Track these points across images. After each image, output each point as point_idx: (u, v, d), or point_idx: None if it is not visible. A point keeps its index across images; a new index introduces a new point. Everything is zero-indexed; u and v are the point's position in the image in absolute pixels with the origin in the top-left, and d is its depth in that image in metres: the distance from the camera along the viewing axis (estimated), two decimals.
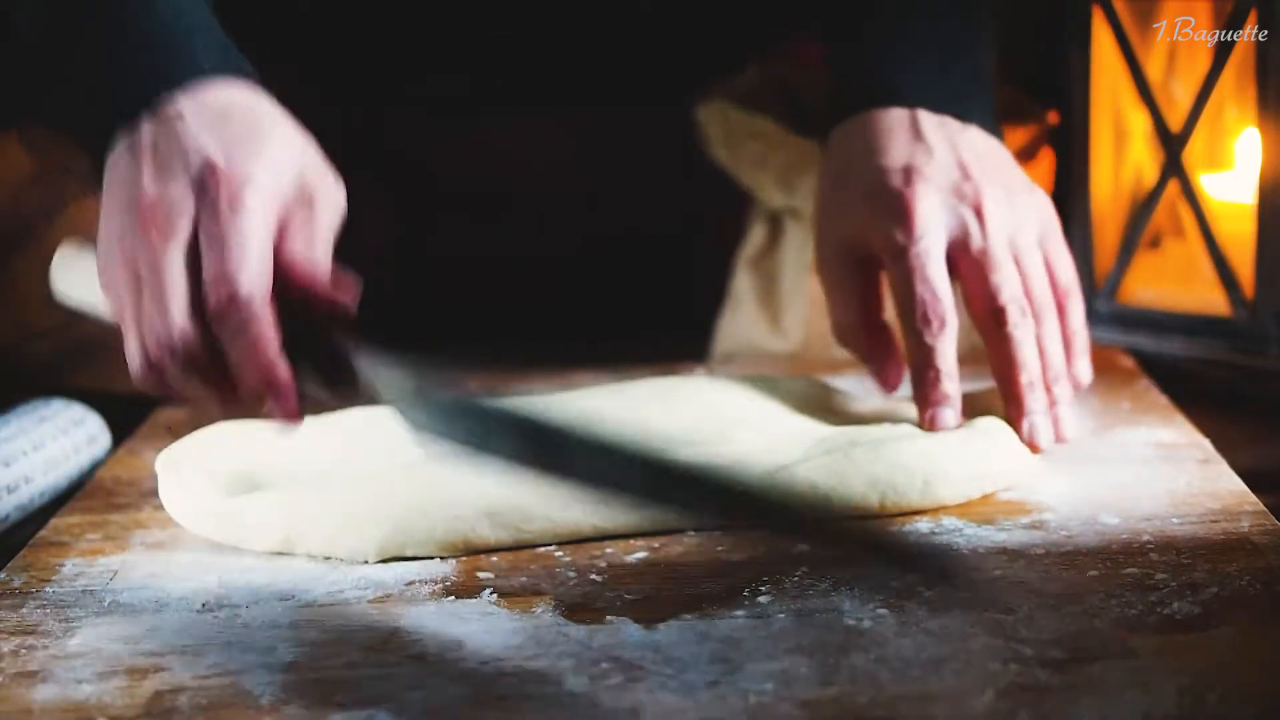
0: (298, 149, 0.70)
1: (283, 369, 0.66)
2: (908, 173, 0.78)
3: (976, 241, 0.78)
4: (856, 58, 0.84)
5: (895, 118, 0.80)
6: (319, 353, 0.67)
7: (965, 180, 0.79)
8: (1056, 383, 0.79)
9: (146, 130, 0.69)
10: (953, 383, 0.78)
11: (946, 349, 0.78)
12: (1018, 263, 0.79)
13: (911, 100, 0.81)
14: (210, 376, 0.67)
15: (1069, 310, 0.81)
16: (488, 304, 1.24)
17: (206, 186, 0.67)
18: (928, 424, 0.78)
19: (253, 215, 0.66)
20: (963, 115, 0.81)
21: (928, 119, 0.80)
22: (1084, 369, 0.82)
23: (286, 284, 0.67)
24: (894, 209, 0.78)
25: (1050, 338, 0.79)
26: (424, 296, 1.26)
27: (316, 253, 0.69)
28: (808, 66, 1.03)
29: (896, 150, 0.79)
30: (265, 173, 0.68)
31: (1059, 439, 0.80)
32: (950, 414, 0.78)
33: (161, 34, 0.70)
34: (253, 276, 0.65)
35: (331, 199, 0.71)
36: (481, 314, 1.24)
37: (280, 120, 0.71)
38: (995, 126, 0.83)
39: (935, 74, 0.82)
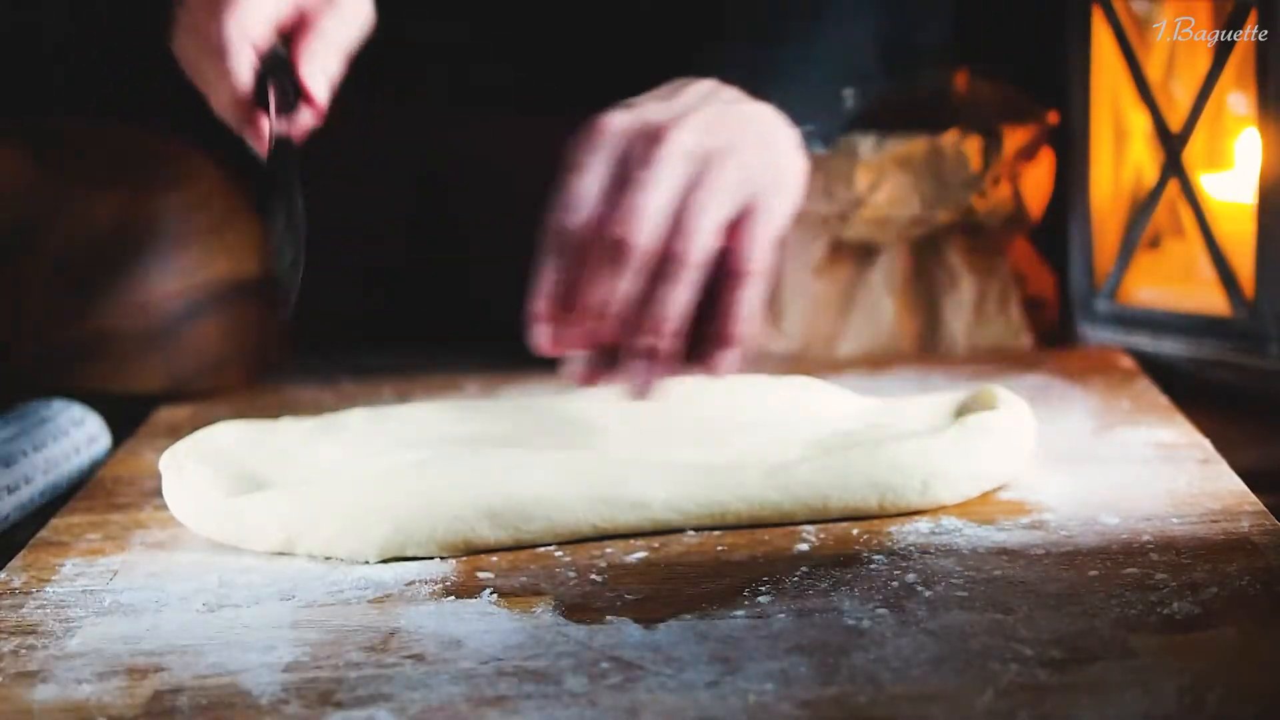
0: None
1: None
2: (673, 116, 0.77)
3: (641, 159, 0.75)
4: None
5: (692, 80, 0.81)
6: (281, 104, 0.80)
7: (678, 114, 0.77)
8: (646, 332, 0.73)
9: None
10: (609, 306, 0.73)
11: (615, 282, 0.73)
12: (685, 208, 0.75)
13: (708, 74, 0.81)
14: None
15: (733, 291, 0.75)
16: (487, 304, 1.24)
17: None
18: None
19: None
20: (764, 95, 0.81)
21: (716, 89, 0.80)
22: (727, 359, 0.75)
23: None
24: (647, 143, 0.76)
25: (669, 290, 0.73)
26: (427, 296, 1.26)
27: (323, 58, 0.81)
28: None
29: (671, 100, 0.79)
30: None
31: (639, 392, 0.75)
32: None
33: None
34: (238, 32, 0.79)
35: (353, 11, 0.82)
36: (481, 313, 1.25)
37: None
38: (808, 126, 0.83)
39: (742, 57, 0.84)
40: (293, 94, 0.80)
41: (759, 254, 0.77)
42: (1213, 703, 0.55)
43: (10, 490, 0.82)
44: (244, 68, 0.79)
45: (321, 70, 0.81)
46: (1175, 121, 0.95)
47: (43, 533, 0.78)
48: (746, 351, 0.76)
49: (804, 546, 0.72)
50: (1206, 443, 0.82)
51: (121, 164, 1.00)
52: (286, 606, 0.68)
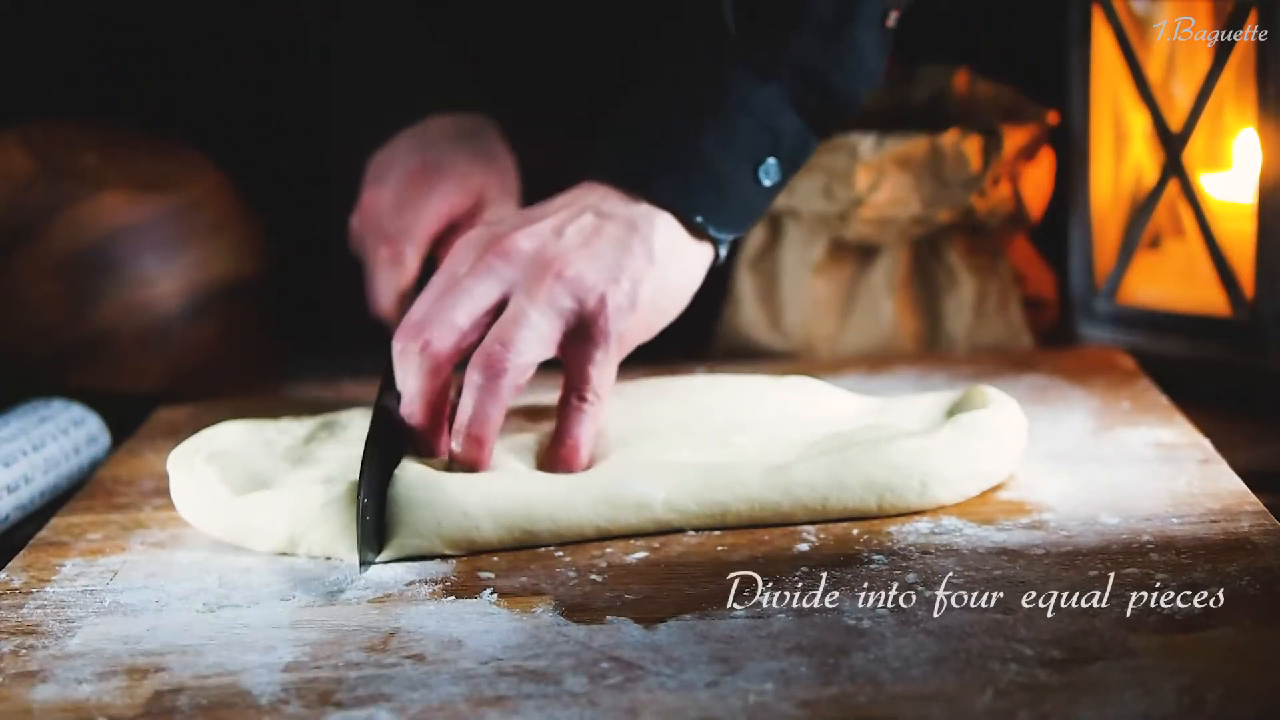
0: (477, 172, 0.92)
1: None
2: (516, 226, 0.78)
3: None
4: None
5: (575, 188, 0.81)
6: None
7: (526, 221, 0.78)
8: (459, 436, 0.75)
9: (385, 147, 0.94)
10: (421, 409, 0.76)
11: (416, 373, 0.75)
12: (505, 317, 0.75)
13: (592, 176, 0.81)
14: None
15: (563, 409, 0.77)
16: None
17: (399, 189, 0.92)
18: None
19: (424, 213, 0.90)
20: (644, 192, 0.79)
21: (586, 193, 0.80)
22: (558, 468, 0.76)
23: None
24: (479, 251, 0.77)
25: (482, 401, 0.74)
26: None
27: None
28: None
29: (531, 209, 0.80)
30: (440, 188, 0.91)
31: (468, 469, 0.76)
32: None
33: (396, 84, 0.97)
34: (410, 239, 0.90)
35: (499, 213, 0.91)
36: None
37: (472, 150, 0.93)
38: (695, 201, 0.79)
39: (623, 150, 0.81)
40: None
41: (593, 372, 0.76)
42: (1213, 703, 0.55)
43: (10, 490, 0.82)
44: (411, 272, 0.89)
45: None
46: (1175, 121, 0.95)
47: (43, 533, 0.78)
48: (580, 465, 0.77)
49: (804, 546, 0.72)
50: (1206, 443, 0.82)
51: (121, 164, 1.00)
52: (286, 606, 0.68)
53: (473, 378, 0.75)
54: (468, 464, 0.75)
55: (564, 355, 0.77)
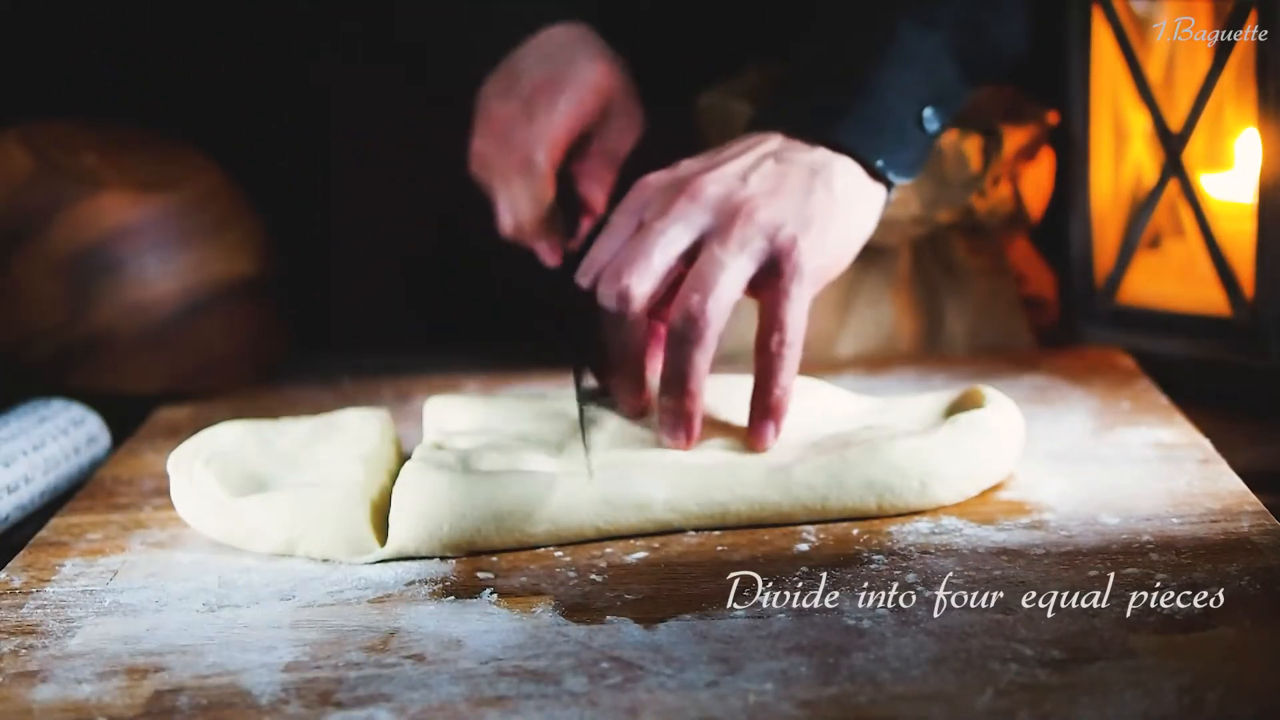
0: (601, 79, 0.91)
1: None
2: (702, 171, 0.77)
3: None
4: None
5: (747, 136, 0.81)
6: (567, 223, 0.90)
7: (711, 166, 0.78)
8: (668, 389, 0.74)
9: (503, 66, 0.92)
10: (628, 362, 0.75)
11: (617, 319, 0.74)
12: (701, 262, 0.75)
13: (767, 126, 0.81)
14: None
15: (764, 357, 0.76)
16: (487, 303, 1.24)
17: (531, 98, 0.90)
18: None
19: (556, 120, 0.89)
20: (825, 137, 0.79)
21: (763, 141, 0.80)
22: (765, 432, 0.76)
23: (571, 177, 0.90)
24: (668, 195, 0.77)
25: (686, 350, 0.74)
26: (433, 296, 1.27)
27: (602, 161, 0.91)
28: None
29: (712, 156, 0.79)
30: (569, 93, 0.90)
31: (672, 437, 0.76)
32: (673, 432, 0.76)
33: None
34: (543, 152, 0.89)
35: (628, 121, 0.92)
36: (481, 313, 1.25)
37: (591, 55, 0.92)
38: (874, 144, 0.80)
39: (800, 98, 0.82)
40: (575, 207, 0.90)
41: (787, 311, 0.76)
42: (1213, 703, 0.55)
43: (10, 490, 0.82)
44: (548, 184, 0.88)
45: (600, 184, 0.91)
46: (1175, 121, 0.95)
47: (43, 533, 0.78)
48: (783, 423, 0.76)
49: (804, 546, 0.72)
50: (1206, 443, 0.82)
51: (121, 164, 1.00)
52: (286, 606, 0.68)
53: (675, 330, 0.74)
54: (679, 419, 0.74)
55: (757, 297, 0.77)
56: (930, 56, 0.84)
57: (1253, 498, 0.74)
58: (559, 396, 0.87)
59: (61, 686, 0.61)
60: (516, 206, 0.88)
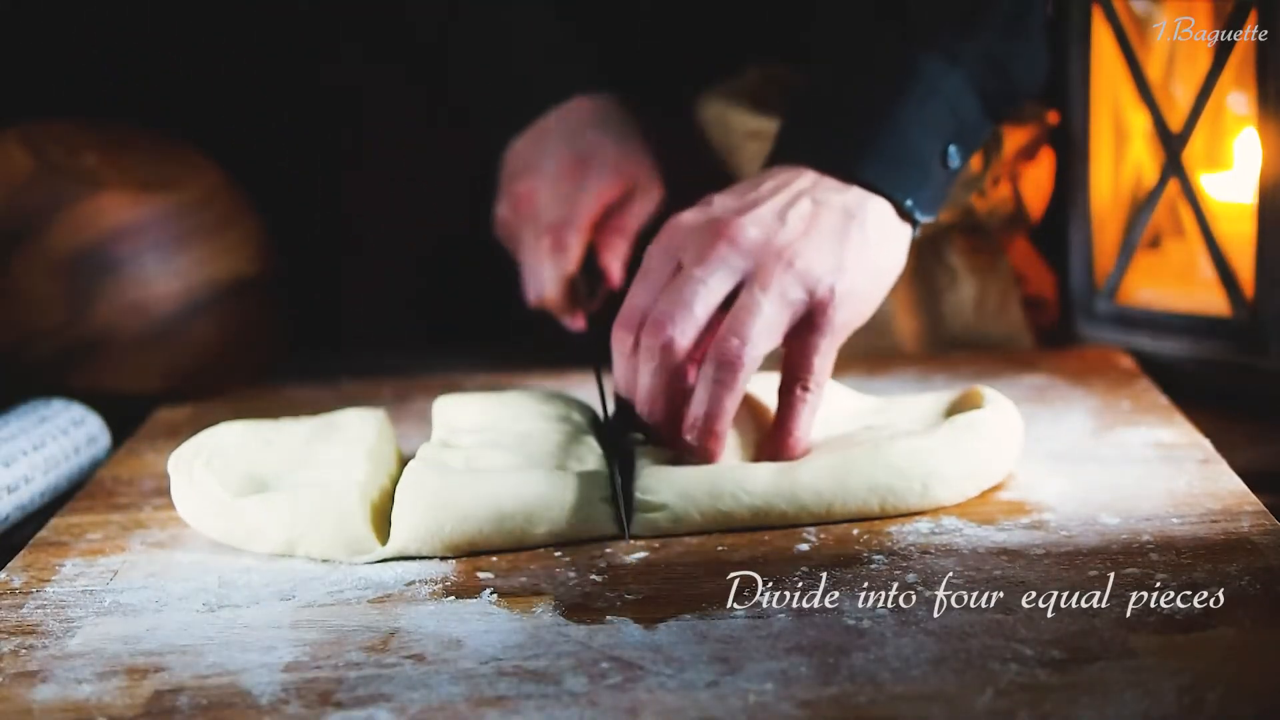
0: (628, 160, 0.95)
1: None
2: (738, 212, 0.77)
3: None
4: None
5: (776, 170, 0.81)
6: (589, 292, 0.95)
7: (747, 207, 0.78)
8: (694, 430, 0.75)
9: (526, 136, 0.97)
10: (659, 404, 0.76)
11: (660, 370, 0.75)
12: (738, 308, 0.75)
13: (795, 159, 0.81)
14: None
15: (787, 398, 0.77)
16: (488, 303, 1.24)
17: (557, 176, 0.94)
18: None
19: (583, 203, 0.94)
20: (856, 176, 0.79)
21: (795, 177, 0.80)
22: (707, 446, 0.76)
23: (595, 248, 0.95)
24: (705, 239, 0.77)
25: (717, 393, 0.74)
26: (437, 296, 1.27)
27: (621, 236, 0.95)
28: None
29: (745, 194, 0.79)
30: (595, 176, 0.94)
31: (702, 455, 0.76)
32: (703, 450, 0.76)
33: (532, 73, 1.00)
34: (572, 228, 0.93)
35: (648, 199, 0.96)
36: (482, 313, 1.25)
37: (616, 134, 0.96)
38: (902, 183, 0.80)
39: (828, 134, 0.82)
40: (597, 277, 0.95)
41: (817, 361, 0.76)
42: (1213, 703, 0.55)
43: (10, 490, 0.82)
44: (575, 261, 0.93)
45: (618, 257, 0.95)
46: (1175, 121, 0.95)
47: (43, 533, 0.78)
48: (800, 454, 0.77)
49: (804, 546, 0.72)
50: (1206, 443, 0.82)
51: (121, 164, 1.00)
52: (286, 606, 0.68)
53: (708, 372, 0.74)
54: (704, 457, 0.75)
55: (786, 344, 0.77)
56: (953, 93, 0.83)
57: (1253, 498, 0.74)
58: (567, 395, 0.87)
59: (61, 686, 0.61)
60: (543, 281, 0.93)
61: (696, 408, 0.75)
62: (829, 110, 0.83)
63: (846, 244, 0.77)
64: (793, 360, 0.77)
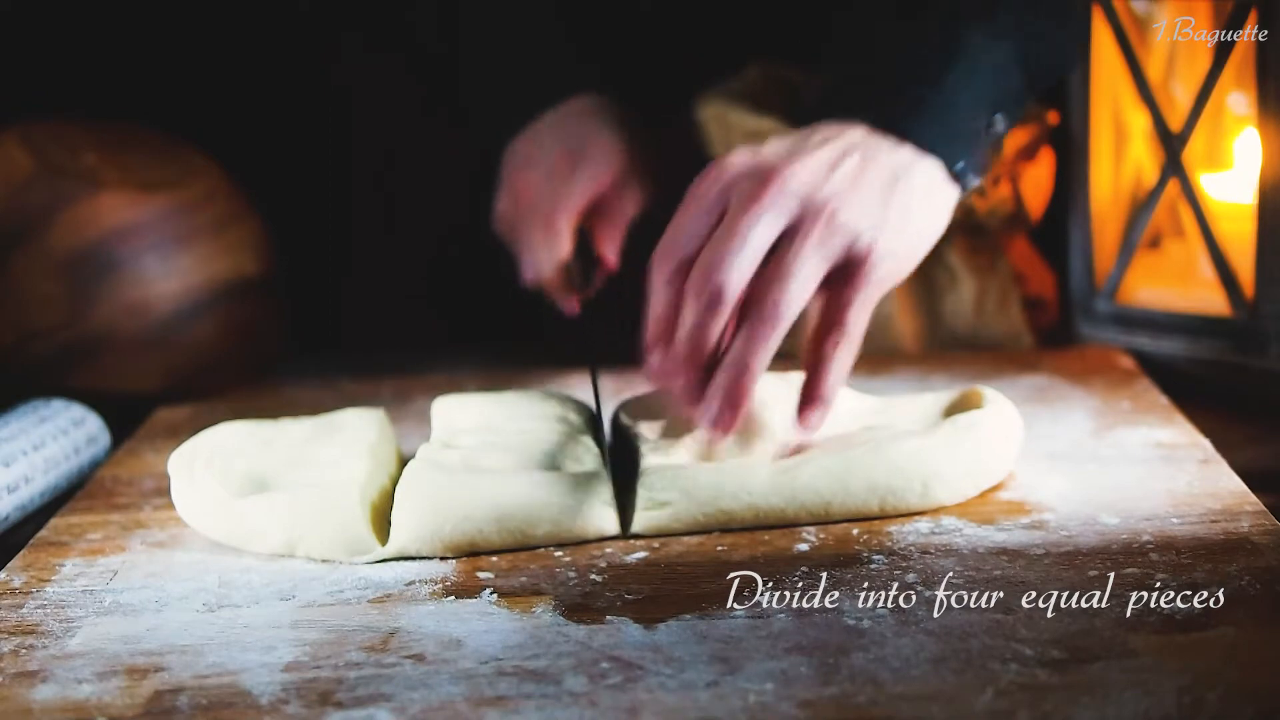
0: (614, 153, 0.97)
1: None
2: (789, 158, 0.76)
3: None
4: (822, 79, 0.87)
5: (828, 124, 0.80)
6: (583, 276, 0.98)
7: (796, 154, 0.77)
8: (725, 372, 0.74)
9: (525, 135, 0.99)
10: (700, 348, 0.74)
11: (705, 313, 0.74)
12: (782, 254, 0.74)
13: (846, 117, 0.80)
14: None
15: (822, 346, 0.76)
16: (488, 303, 1.24)
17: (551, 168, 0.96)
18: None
19: (574, 190, 0.95)
20: (910, 136, 0.79)
21: (847, 131, 0.79)
22: (812, 417, 0.76)
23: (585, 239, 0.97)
24: (756, 182, 0.76)
25: (755, 340, 0.73)
26: (440, 296, 1.27)
27: (613, 224, 0.97)
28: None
29: (796, 143, 0.78)
30: (586, 165, 0.96)
31: (714, 426, 0.75)
32: (718, 414, 0.75)
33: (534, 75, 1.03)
34: (563, 213, 0.95)
35: (638, 189, 0.97)
36: (482, 313, 1.25)
37: (608, 129, 0.98)
38: (953, 147, 0.80)
39: (878, 97, 0.81)
40: (592, 262, 0.97)
41: (852, 314, 0.76)
42: (1212, 703, 0.55)
43: (10, 490, 0.82)
44: (567, 244, 0.94)
45: (612, 244, 0.97)
46: (1175, 121, 0.95)
47: (43, 533, 0.78)
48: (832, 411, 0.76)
49: (804, 546, 0.72)
50: (1206, 443, 0.82)
51: (121, 164, 1.00)
52: (286, 606, 0.68)
53: (746, 320, 0.73)
54: (727, 403, 0.74)
55: (822, 297, 0.76)
56: (997, 65, 0.83)
57: (1253, 498, 0.74)
58: (567, 395, 0.87)
59: (61, 686, 0.61)
60: (539, 263, 0.95)
61: (733, 352, 0.74)
62: (881, 72, 0.83)
63: (891, 201, 0.77)
64: (827, 313, 0.76)
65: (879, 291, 0.77)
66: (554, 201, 0.95)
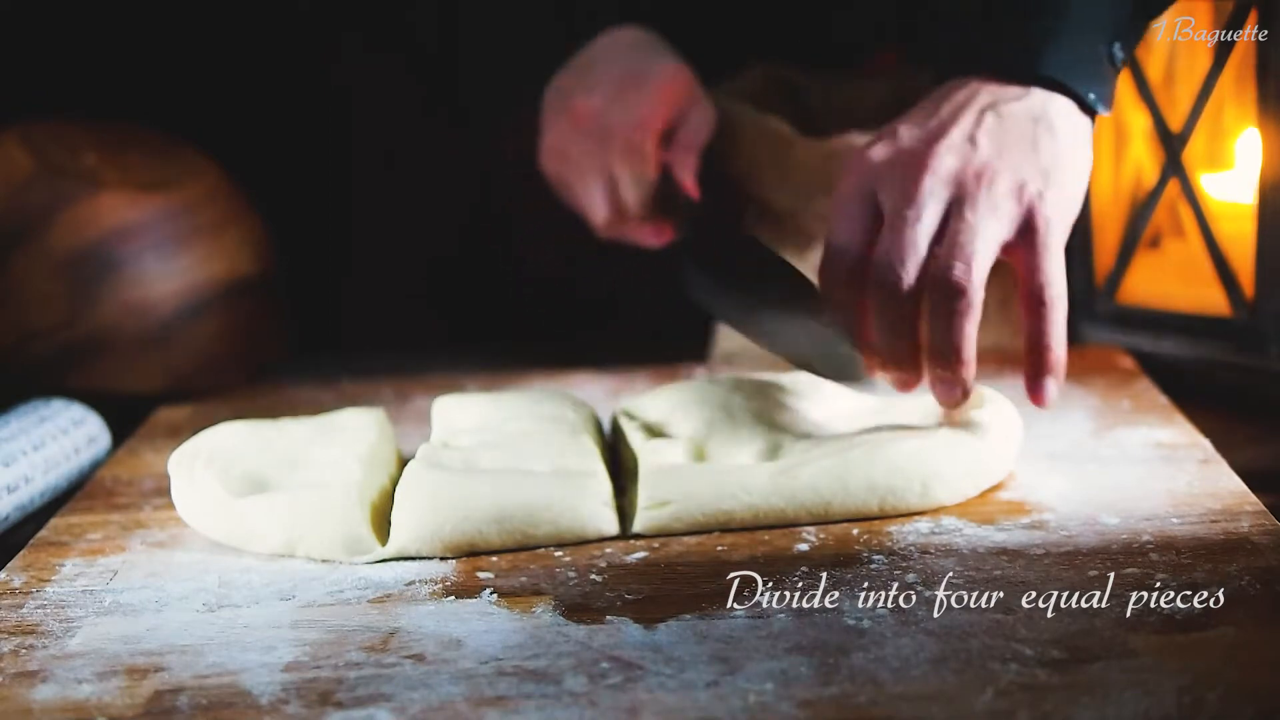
0: (681, 73, 0.95)
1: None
2: (929, 141, 0.77)
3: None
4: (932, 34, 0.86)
5: (949, 89, 0.80)
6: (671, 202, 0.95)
7: (935, 135, 0.77)
8: (937, 361, 0.76)
9: (568, 69, 0.96)
10: (903, 343, 0.76)
11: (891, 309, 0.75)
12: (956, 233, 0.75)
13: (967, 70, 0.80)
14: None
15: (1034, 317, 0.77)
16: (489, 302, 1.24)
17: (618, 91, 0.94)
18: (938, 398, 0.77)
19: (653, 109, 0.93)
20: (1037, 73, 0.79)
21: (972, 94, 0.79)
22: (1047, 389, 0.77)
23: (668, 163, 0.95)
24: (906, 175, 0.77)
25: (954, 320, 0.75)
26: (443, 296, 1.27)
27: (688, 150, 0.94)
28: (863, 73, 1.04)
29: (927, 121, 0.78)
30: (657, 84, 0.94)
31: (947, 400, 0.77)
32: (927, 388, 0.77)
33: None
34: (648, 133, 0.93)
35: (706, 114, 0.96)
36: (482, 312, 1.25)
37: (664, 52, 0.96)
38: (1083, 76, 0.79)
39: (999, 36, 0.81)
40: (677, 191, 0.94)
41: (1049, 273, 0.76)
42: (1212, 703, 0.55)
43: (10, 490, 0.82)
44: (654, 165, 0.92)
45: (688, 170, 0.93)
46: (1175, 121, 0.95)
47: (43, 533, 0.78)
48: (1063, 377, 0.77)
49: (804, 546, 0.72)
50: (1206, 443, 0.82)
51: (121, 164, 1.00)
52: (286, 606, 0.68)
53: (939, 301, 0.74)
54: (954, 385, 0.75)
55: (1011, 259, 0.77)
56: None
57: (1253, 498, 0.74)
58: (567, 395, 0.87)
59: (61, 686, 0.61)
60: (623, 191, 0.92)
61: (939, 339, 0.75)
62: (996, 14, 0.82)
63: (1040, 149, 0.77)
64: (1026, 274, 0.77)
65: (1062, 237, 0.78)
66: (633, 120, 0.91)
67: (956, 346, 0.74)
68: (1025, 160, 0.76)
